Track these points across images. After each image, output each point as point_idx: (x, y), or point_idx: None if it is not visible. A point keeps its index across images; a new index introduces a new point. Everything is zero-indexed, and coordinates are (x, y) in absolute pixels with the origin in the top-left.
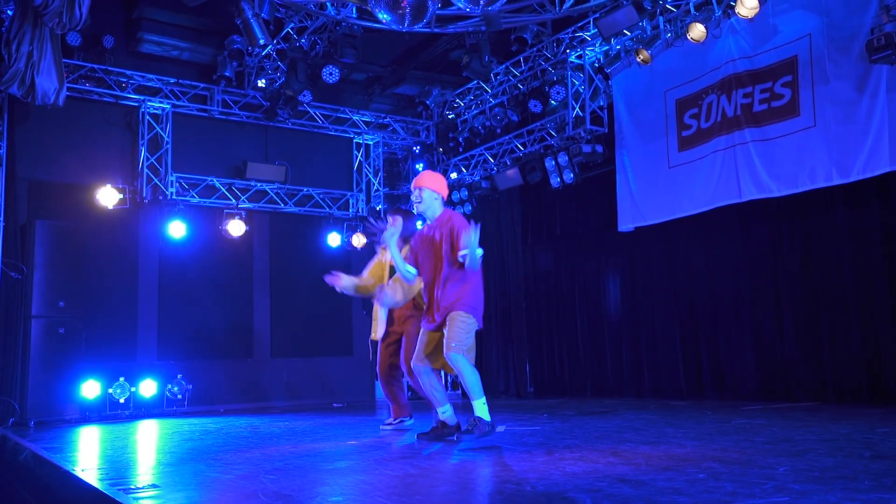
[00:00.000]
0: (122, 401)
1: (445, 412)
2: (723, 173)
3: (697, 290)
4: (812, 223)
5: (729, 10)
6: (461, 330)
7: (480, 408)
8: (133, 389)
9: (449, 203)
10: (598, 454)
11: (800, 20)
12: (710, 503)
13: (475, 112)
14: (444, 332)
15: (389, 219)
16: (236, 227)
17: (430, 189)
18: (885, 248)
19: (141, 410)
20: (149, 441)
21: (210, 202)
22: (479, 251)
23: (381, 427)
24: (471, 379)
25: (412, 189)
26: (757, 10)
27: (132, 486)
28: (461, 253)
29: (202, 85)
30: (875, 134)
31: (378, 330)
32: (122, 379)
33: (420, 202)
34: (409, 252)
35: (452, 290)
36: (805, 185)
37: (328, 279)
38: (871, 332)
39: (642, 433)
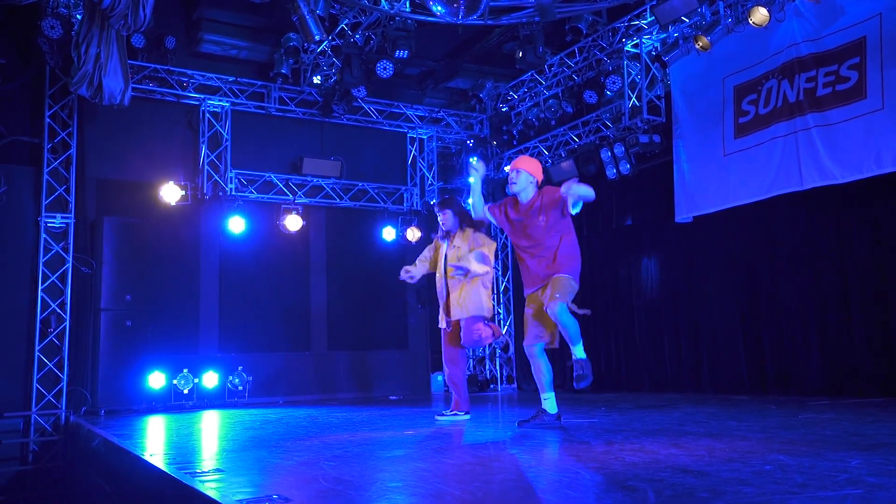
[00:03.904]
0: (186, 391)
1: (547, 399)
2: (783, 160)
3: (759, 283)
4: (881, 211)
5: None
6: (564, 285)
7: (579, 351)
8: (196, 381)
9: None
10: (659, 445)
11: (869, 0)
12: (779, 494)
13: (529, 104)
14: (545, 292)
15: (439, 215)
16: (293, 222)
17: (528, 172)
18: None
19: (204, 401)
20: (212, 429)
21: (268, 198)
22: (583, 189)
23: (436, 417)
24: (572, 329)
25: (509, 171)
26: None
27: (198, 471)
28: (569, 198)
29: (259, 83)
30: None
31: (440, 318)
32: (185, 370)
33: (516, 184)
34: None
35: (555, 259)
36: (871, 171)
37: (404, 277)
38: None
39: (704, 426)
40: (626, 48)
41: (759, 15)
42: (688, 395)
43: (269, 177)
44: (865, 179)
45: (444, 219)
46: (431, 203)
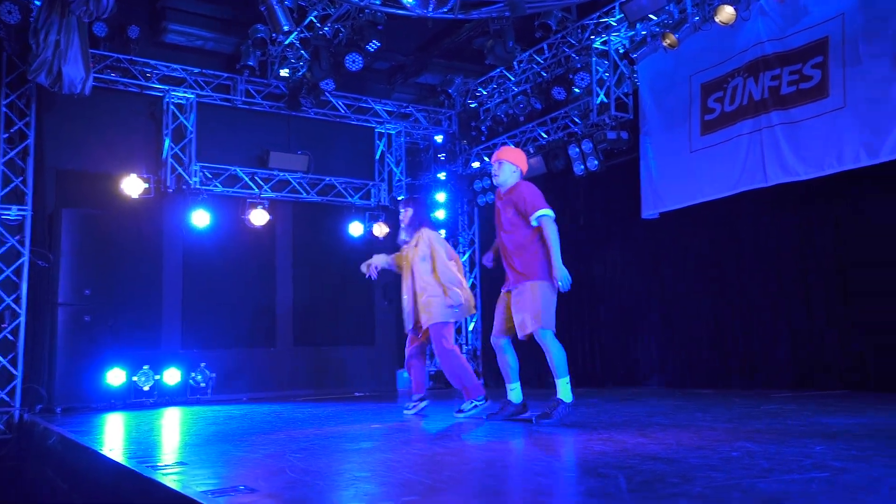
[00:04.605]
0: (146, 388)
1: (513, 390)
2: (748, 158)
3: (725, 279)
4: (842, 209)
5: None
6: (540, 300)
7: (563, 388)
8: (157, 377)
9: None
10: (628, 435)
11: (832, 0)
12: (748, 478)
13: (498, 100)
14: (518, 305)
15: (402, 210)
16: (259, 217)
17: (510, 162)
18: None
19: (165, 398)
20: (174, 425)
21: (233, 191)
22: (550, 212)
23: (404, 412)
24: (557, 356)
25: (492, 162)
26: None
27: (159, 464)
28: (534, 216)
29: (226, 75)
30: None
31: (405, 320)
32: (146, 367)
33: (497, 175)
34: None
35: (522, 257)
36: (832, 168)
37: (365, 269)
38: None
39: (671, 417)
40: (594, 45)
41: (726, 13)
42: (656, 390)
43: (235, 170)
44: (827, 177)
45: (404, 216)
46: (399, 199)
